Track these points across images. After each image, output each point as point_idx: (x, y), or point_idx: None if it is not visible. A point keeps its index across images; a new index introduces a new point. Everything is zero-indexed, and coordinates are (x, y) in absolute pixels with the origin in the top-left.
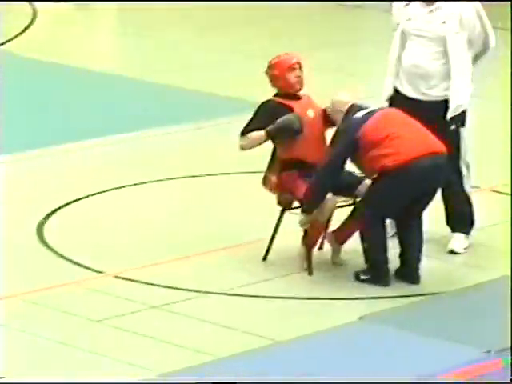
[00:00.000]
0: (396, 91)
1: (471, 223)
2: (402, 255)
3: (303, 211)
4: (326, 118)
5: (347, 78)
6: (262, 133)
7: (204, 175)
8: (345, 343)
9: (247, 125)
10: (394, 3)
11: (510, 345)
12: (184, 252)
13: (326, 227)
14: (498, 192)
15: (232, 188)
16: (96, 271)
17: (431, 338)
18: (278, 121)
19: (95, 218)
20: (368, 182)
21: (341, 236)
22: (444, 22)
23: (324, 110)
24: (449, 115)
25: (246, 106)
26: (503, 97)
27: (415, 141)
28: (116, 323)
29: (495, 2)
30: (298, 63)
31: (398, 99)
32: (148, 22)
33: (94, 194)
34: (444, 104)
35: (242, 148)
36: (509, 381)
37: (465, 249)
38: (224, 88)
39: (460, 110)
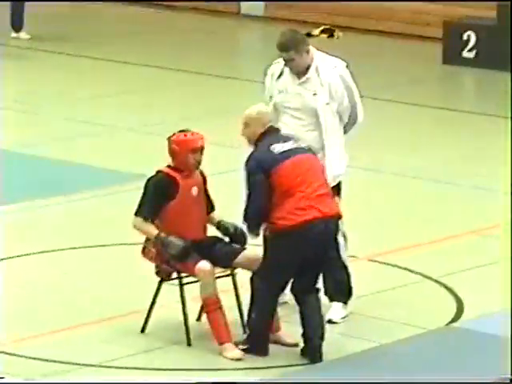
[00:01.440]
0: None
1: (349, 292)
2: (303, 334)
3: (250, 231)
4: (207, 193)
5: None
6: (153, 233)
7: (82, 247)
8: None
9: (141, 204)
10: (267, 76)
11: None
12: (63, 324)
13: (218, 300)
14: (374, 261)
15: (111, 260)
16: None
17: None
18: (170, 239)
19: None
20: (246, 252)
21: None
22: (315, 94)
23: (205, 186)
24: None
25: (122, 177)
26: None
27: (313, 200)
28: None
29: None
30: (202, 147)
31: None
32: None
33: None
34: None
35: (135, 227)
36: (509, 381)
37: (342, 318)
38: (97, 159)
39: (337, 181)
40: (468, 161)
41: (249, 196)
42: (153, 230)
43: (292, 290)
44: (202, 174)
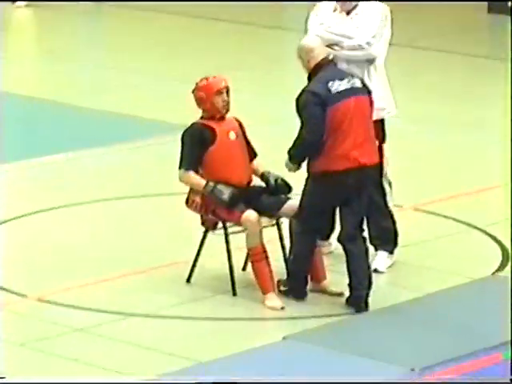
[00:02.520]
0: None
1: (395, 242)
2: (349, 283)
3: (292, 162)
4: (247, 139)
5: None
6: (201, 183)
7: (125, 197)
8: (268, 362)
9: (182, 157)
10: (315, 13)
11: (510, 338)
12: (107, 275)
13: (264, 250)
14: (420, 210)
15: (154, 210)
16: (19, 294)
17: (355, 356)
18: (218, 188)
19: (18, 242)
20: (291, 201)
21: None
22: (358, 28)
23: (243, 131)
24: None
25: (167, 127)
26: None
27: (353, 149)
28: (40, 346)
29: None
30: (226, 87)
31: None
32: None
33: (16, 218)
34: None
35: (181, 181)
36: (509, 380)
37: (388, 267)
38: (143, 110)
39: (381, 116)
40: None
41: (303, 128)
42: (200, 181)
43: (338, 238)
44: (236, 119)
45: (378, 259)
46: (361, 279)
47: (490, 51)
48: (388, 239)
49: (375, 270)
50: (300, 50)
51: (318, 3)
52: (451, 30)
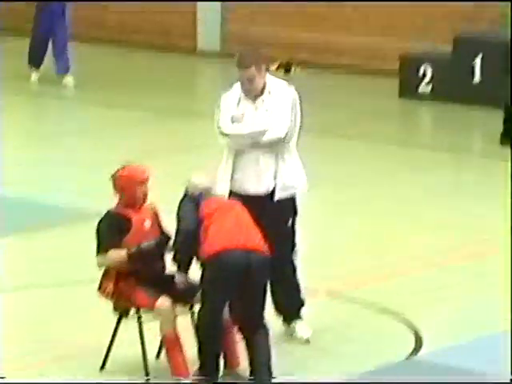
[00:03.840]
0: None
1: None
2: (250, 370)
3: (178, 270)
4: (161, 227)
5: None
6: (121, 253)
7: (31, 286)
8: None
9: (98, 244)
10: (221, 107)
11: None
12: (24, 362)
13: (177, 337)
14: (333, 295)
15: (69, 297)
16: None
17: None
18: (142, 245)
19: None
20: None
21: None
22: (267, 110)
23: (158, 219)
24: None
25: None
26: None
27: (233, 232)
28: None
29: None
30: (147, 178)
31: None
32: None
33: None
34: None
35: (101, 265)
36: (509, 381)
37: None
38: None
39: (291, 193)
40: (428, 195)
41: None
42: (120, 251)
43: (240, 327)
44: (153, 208)
45: (302, 329)
46: (259, 367)
47: (402, 138)
48: (300, 310)
49: (307, 341)
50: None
51: (223, 97)
52: (363, 117)
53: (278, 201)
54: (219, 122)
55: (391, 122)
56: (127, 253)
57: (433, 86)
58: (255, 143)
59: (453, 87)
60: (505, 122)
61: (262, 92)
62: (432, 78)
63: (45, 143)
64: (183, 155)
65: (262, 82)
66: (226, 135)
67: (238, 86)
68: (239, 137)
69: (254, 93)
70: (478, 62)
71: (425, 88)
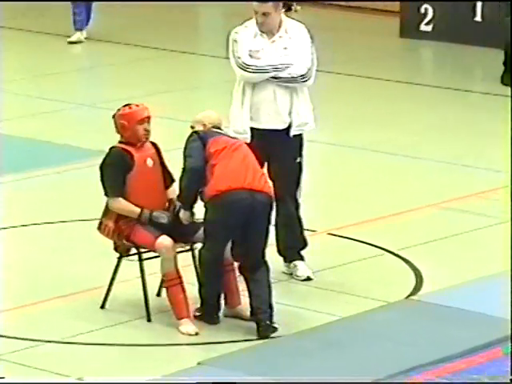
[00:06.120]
0: None
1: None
2: (251, 311)
3: (183, 208)
4: (164, 167)
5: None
6: (135, 211)
7: (42, 223)
8: None
9: (107, 185)
10: (237, 41)
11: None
12: (23, 301)
13: (179, 275)
14: (334, 235)
15: (70, 236)
16: None
17: (270, 381)
18: (155, 214)
19: None
20: None
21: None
22: (286, 48)
23: (161, 157)
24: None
25: (81, 153)
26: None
27: (239, 172)
28: None
29: None
30: (148, 117)
31: None
32: None
33: None
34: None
35: (113, 208)
36: (509, 381)
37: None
38: (56, 136)
39: (306, 129)
40: (428, 134)
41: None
42: (134, 208)
43: (240, 267)
44: (155, 145)
45: (303, 268)
46: (260, 303)
47: (403, 76)
48: (301, 249)
49: (308, 278)
50: (193, 120)
51: (237, 31)
52: (364, 55)
53: (291, 137)
54: (238, 53)
55: (392, 60)
56: (139, 214)
57: (434, 24)
58: (274, 78)
59: (454, 26)
60: (505, 62)
61: (278, 29)
62: (433, 16)
63: (52, 80)
64: (191, 93)
65: (278, 19)
66: (247, 67)
67: (250, 23)
68: (260, 69)
69: (268, 28)
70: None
71: (426, 27)
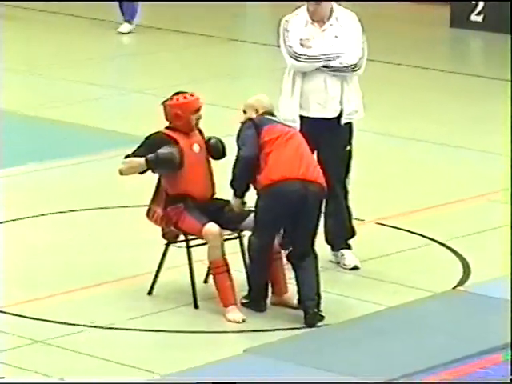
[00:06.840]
0: None
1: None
2: (298, 298)
3: (235, 195)
4: (210, 152)
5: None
6: (141, 160)
7: (88, 209)
8: (230, 376)
9: (132, 152)
10: (288, 30)
11: (510, 341)
12: (68, 287)
13: (226, 263)
14: (382, 224)
15: (115, 222)
16: None
17: (316, 369)
18: (159, 151)
19: None
20: (253, 215)
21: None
22: (336, 37)
23: (208, 144)
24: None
25: (129, 140)
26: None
27: (293, 162)
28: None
29: None
30: (201, 106)
31: None
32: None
33: None
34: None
35: (121, 172)
36: (509, 380)
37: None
38: (105, 122)
39: (354, 117)
40: (476, 125)
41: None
42: (139, 159)
43: (288, 256)
44: (200, 132)
45: (350, 257)
46: (307, 291)
47: (452, 66)
48: (349, 238)
49: (355, 267)
50: (245, 104)
51: (288, 20)
52: (413, 44)
53: (341, 125)
54: (290, 42)
55: (442, 50)
56: (146, 158)
57: (484, 15)
58: (325, 67)
59: (504, 17)
60: None
61: (329, 18)
62: (484, 7)
63: (92, 66)
64: (236, 80)
65: (330, 7)
66: (298, 56)
67: (301, 10)
68: (311, 59)
69: (320, 16)
70: None
71: (476, 17)
